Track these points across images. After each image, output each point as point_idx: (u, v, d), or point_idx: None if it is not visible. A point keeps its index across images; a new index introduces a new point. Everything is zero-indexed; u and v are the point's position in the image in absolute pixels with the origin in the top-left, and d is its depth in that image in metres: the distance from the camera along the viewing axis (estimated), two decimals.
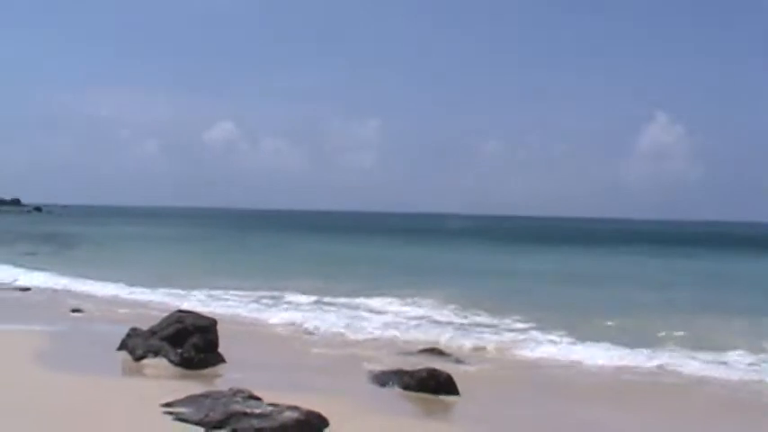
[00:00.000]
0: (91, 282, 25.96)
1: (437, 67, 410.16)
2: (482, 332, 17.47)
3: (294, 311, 20.08)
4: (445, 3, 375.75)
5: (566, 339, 16.50)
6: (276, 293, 23.38)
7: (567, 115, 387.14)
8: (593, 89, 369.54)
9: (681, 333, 17.27)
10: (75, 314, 18.92)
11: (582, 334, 16.77)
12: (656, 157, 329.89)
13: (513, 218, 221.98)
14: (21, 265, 31.52)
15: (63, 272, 29.03)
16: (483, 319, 19.16)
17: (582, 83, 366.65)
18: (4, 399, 10.06)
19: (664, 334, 17.22)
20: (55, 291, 24.20)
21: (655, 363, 14.48)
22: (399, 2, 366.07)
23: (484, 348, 15.75)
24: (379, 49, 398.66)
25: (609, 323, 18.78)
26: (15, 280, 26.56)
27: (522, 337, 16.93)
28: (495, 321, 18.77)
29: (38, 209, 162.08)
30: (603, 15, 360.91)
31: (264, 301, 22.18)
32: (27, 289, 24.20)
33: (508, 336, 17.07)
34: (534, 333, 17.32)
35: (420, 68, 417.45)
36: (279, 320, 18.75)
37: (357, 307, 21.04)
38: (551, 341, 16.39)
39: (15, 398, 10.19)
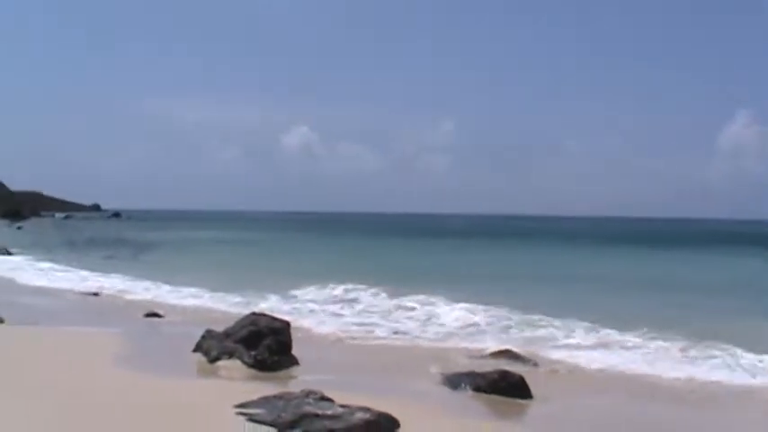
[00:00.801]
0: (166, 285, 26.40)
1: (514, 66, 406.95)
2: (555, 336, 17.26)
3: (367, 314, 20.17)
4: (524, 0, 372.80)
5: (642, 348, 16.09)
6: (352, 295, 23.51)
7: (647, 113, 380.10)
8: (675, 87, 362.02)
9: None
10: (151, 318, 19.22)
11: (659, 343, 16.36)
12: (736, 156, 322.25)
13: (592, 219, 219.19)
14: (96, 270, 32.30)
15: (138, 275, 29.61)
16: (557, 323, 18.81)
17: (665, 81, 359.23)
18: (90, 398, 10.38)
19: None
20: (130, 294, 24.63)
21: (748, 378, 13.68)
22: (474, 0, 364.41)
23: (556, 352, 15.49)
24: (453, 50, 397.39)
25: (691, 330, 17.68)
26: (91, 284, 27.16)
27: (596, 341, 16.65)
28: (570, 326, 18.46)
29: (116, 214, 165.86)
30: (687, 13, 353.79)
31: (336, 303, 22.19)
32: (97, 294, 24.58)
33: (582, 340, 16.82)
34: (610, 338, 16.99)
35: (495, 67, 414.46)
36: (352, 321, 18.82)
37: (428, 308, 20.99)
38: (626, 347, 16.06)
39: (100, 397, 10.51)
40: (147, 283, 27.22)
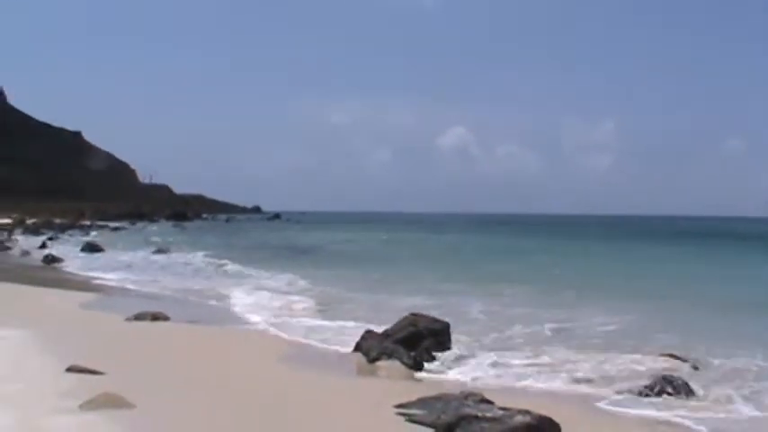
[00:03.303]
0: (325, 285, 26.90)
1: (672, 63, 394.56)
2: (722, 338, 16.64)
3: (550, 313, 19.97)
4: None
5: None
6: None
7: None
8: None
9: None
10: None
11: None
12: None
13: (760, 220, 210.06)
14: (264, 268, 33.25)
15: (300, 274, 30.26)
16: (729, 323, 18.11)
17: None
18: (258, 395, 10.79)
19: None
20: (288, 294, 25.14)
21: None
22: (631, 2, 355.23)
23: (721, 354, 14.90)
24: (610, 48, 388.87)
25: None
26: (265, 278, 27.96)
27: None
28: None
29: (277, 216, 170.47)
30: None
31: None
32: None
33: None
34: None
35: (654, 65, 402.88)
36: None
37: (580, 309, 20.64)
38: None
39: (267, 394, 10.96)
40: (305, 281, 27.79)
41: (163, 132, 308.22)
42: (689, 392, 11.46)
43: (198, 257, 41.69)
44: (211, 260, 39.55)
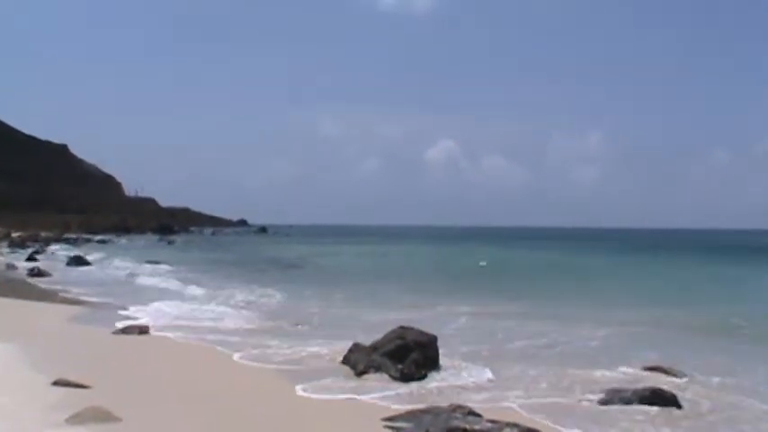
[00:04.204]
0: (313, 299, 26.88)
1: (659, 75, 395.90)
2: (707, 353, 16.72)
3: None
4: (668, 7, 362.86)
5: None
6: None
7: None
8: None
9: None
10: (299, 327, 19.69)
11: None
12: None
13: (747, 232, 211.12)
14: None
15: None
16: (706, 342, 18.21)
17: None
18: (245, 409, 10.78)
19: None
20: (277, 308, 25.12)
21: None
22: (618, 10, 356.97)
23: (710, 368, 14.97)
24: (597, 60, 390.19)
25: None
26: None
27: None
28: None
29: (263, 229, 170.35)
30: None
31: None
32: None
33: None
34: None
35: (642, 78, 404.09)
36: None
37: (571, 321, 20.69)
38: None
39: (254, 408, 10.87)
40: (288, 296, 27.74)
41: (149, 145, 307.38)
42: (677, 405, 11.50)
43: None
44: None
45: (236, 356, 15.29)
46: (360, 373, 13.52)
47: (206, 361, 14.99)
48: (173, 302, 25.19)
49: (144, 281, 35.48)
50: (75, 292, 29.21)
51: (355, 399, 11.92)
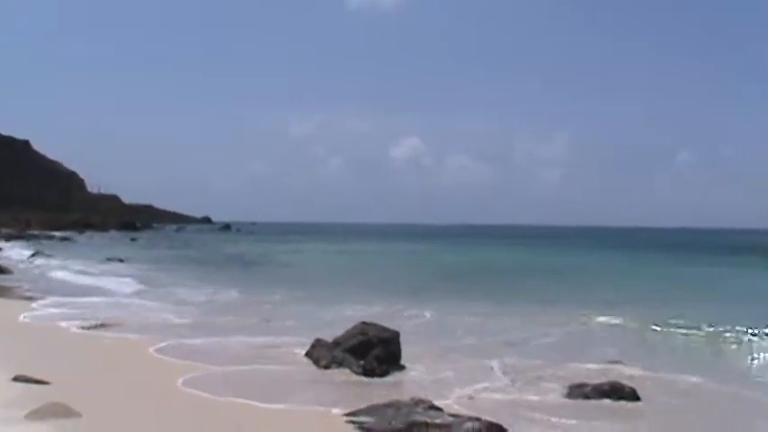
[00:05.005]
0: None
1: (625, 77, 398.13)
2: (665, 349, 16.95)
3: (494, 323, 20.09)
4: (633, 12, 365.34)
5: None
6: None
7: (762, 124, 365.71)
8: None
9: None
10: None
11: None
12: None
13: (710, 231, 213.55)
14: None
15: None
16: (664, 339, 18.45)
17: None
18: (205, 402, 10.76)
19: None
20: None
21: None
22: (586, 15, 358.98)
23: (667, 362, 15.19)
24: (564, 60, 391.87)
25: None
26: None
27: None
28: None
29: (227, 226, 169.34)
30: None
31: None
32: None
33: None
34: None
35: (607, 79, 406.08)
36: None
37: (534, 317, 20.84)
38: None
39: (214, 401, 10.85)
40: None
41: (113, 141, 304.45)
42: (636, 398, 11.65)
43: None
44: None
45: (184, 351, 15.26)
46: (322, 368, 13.55)
47: (156, 358, 14.88)
48: (114, 299, 25.49)
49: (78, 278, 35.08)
50: (32, 286, 29.13)
51: (317, 393, 11.92)
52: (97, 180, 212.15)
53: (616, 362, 14.67)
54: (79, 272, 37.97)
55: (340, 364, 13.53)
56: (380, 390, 12.15)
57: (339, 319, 18.34)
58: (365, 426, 9.53)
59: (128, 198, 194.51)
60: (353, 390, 12.25)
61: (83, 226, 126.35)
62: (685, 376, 13.67)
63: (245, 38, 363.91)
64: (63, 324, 18.66)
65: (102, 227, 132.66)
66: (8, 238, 79.64)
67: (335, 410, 10.38)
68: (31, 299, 24.63)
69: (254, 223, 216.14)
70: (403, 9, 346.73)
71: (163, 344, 15.92)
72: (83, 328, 18.03)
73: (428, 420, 9.25)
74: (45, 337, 16.93)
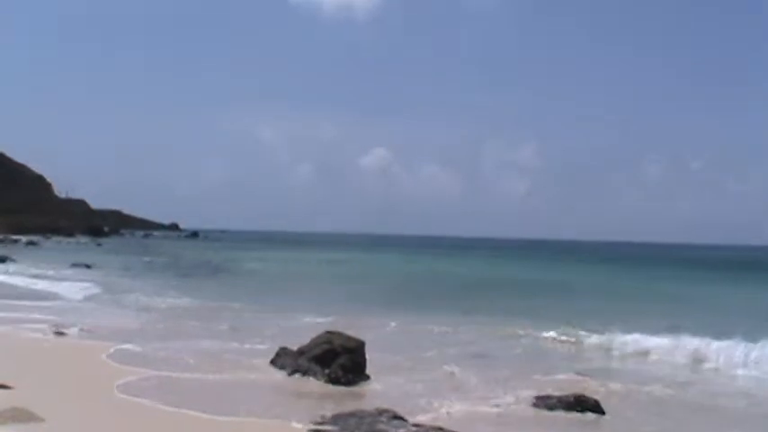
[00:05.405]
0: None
1: (594, 89, 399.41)
2: (629, 362, 17.09)
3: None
4: (603, 21, 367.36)
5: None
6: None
7: (735, 136, 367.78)
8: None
9: None
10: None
11: None
12: None
13: (679, 246, 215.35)
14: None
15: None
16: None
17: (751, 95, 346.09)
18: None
19: None
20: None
21: None
22: (552, 24, 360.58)
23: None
24: (532, 72, 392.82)
25: None
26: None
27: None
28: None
29: (195, 234, 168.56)
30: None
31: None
32: None
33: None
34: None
35: (574, 88, 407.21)
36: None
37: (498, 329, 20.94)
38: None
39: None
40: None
41: (80, 145, 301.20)
42: (600, 411, 11.73)
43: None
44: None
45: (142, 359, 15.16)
46: (287, 377, 13.55)
47: (106, 364, 14.73)
48: (71, 305, 25.50)
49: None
50: None
51: (282, 402, 11.90)
52: (65, 184, 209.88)
53: (580, 374, 14.79)
54: (38, 276, 37.70)
55: (305, 373, 13.51)
56: (345, 399, 12.14)
57: (304, 328, 18.34)
58: None
59: (96, 203, 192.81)
60: (317, 400, 12.21)
61: (49, 231, 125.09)
62: (649, 388, 13.85)
63: (213, 40, 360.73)
64: (22, 329, 18.49)
65: (68, 231, 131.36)
66: None
67: (296, 424, 10.22)
68: None
69: (222, 231, 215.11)
70: (375, 17, 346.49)
71: (115, 349, 15.83)
72: (41, 333, 17.87)
73: (391, 430, 9.26)
74: (2, 342, 16.75)
